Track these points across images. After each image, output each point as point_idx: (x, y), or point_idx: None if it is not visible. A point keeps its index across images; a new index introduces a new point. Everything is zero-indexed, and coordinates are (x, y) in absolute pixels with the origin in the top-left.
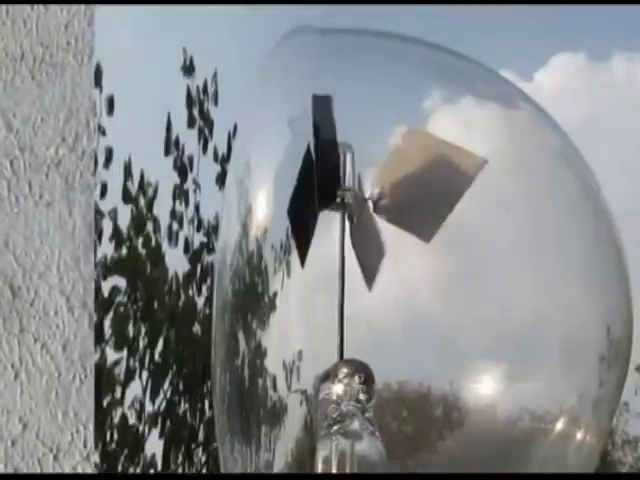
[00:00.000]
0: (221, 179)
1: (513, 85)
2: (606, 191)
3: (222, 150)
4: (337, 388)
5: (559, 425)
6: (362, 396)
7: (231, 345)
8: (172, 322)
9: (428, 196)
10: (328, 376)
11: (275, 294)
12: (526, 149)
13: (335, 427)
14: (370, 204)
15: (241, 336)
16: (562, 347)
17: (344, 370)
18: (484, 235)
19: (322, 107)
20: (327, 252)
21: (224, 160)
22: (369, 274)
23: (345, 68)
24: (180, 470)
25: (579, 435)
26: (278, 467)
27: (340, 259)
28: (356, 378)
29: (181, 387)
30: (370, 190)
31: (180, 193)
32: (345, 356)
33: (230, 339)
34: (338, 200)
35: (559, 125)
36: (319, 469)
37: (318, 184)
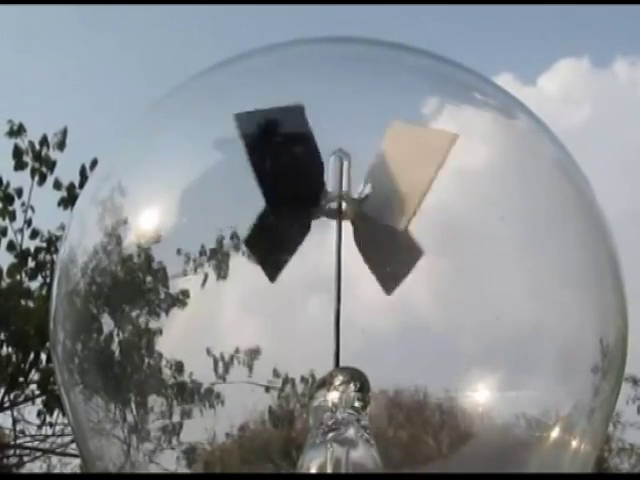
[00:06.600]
0: (66, 201)
1: (511, 95)
2: (608, 193)
3: (67, 180)
4: (332, 395)
5: (554, 433)
6: (358, 404)
7: (86, 321)
8: None
9: (398, 186)
10: (323, 383)
11: (184, 292)
12: (522, 158)
13: (330, 434)
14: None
15: (106, 317)
16: (558, 355)
17: (340, 378)
18: (480, 242)
19: (296, 117)
20: (321, 258)
21: (71, 187)
22: (387, 281)
23: (342, 76)
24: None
25: (574, 443)
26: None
27: (336, 266)
28: (352, 386)
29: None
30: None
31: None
32: (341, 363)
33: (84, 316)
34: (335, 207)
35: (556, 135)
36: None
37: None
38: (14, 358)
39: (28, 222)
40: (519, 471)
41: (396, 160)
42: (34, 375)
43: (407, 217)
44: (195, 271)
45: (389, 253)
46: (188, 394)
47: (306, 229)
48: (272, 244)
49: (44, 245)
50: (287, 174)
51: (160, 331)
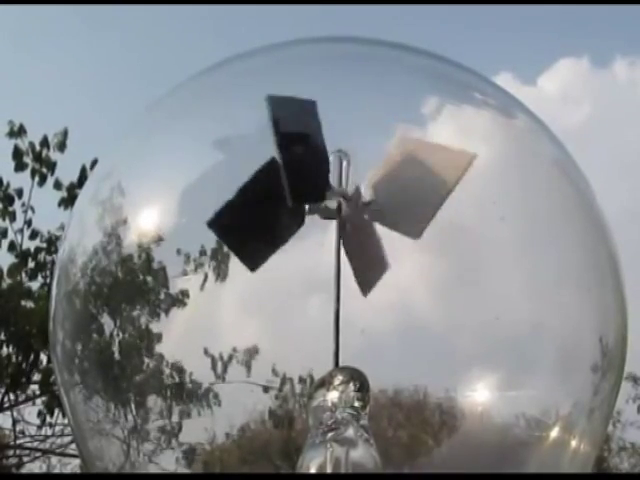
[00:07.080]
0: (66, 201)
1: (510, 95)
2: (607, 192)
3: (67, 181)
4: (332, 395)
5: (554, 433)
6: (357, 403)
7: (86, 321)
8: None
9: (414, 196)
10: (323, 383)
11: (184, 292)
12: (522, 158)
13: (330, 434)
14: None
15: (106, 318)
16: (557, 355)
17: (339, 377)
18: (480, 242)
19: (308, 111)
20: (320, 258)
21: (72, 187)
22: (365, 284)
23: (343, 76)
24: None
25: (574, 443)
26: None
27: (336, 266)
28: (351, 385)
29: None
30: (363, 195)
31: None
32: (340, 363)
33: (83, 317)
34: (335, 207)
35: (555, 134)
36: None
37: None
38: (14, 358)
39: (28, 222)
40: (519, 471)
41: (409, 172)
42: (34, 375)
43: (421, 227)
44: (195, 271)
45: (370, 258)
46: (187, 394)
47: (300, 222)
48: (260, 233)
49: (44, 245)
50: (299, 167)
51: (160, 331)
